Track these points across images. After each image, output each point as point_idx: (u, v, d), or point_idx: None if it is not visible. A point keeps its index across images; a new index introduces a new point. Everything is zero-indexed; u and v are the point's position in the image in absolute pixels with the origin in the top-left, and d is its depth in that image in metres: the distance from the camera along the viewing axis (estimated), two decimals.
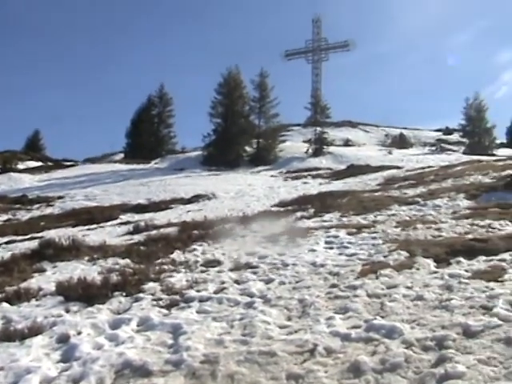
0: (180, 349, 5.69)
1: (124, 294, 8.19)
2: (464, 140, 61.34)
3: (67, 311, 7.54)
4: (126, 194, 30.05)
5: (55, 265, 11.44)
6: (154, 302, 7.68)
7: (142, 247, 12.44)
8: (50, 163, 54.46)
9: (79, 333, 6.46)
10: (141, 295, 8.05)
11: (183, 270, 9.76)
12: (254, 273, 9.04)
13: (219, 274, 9.18)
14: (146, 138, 57.80)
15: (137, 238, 14.81)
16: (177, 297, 7.86)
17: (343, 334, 5.73)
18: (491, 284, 6.97)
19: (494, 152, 54.67)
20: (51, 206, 28.92)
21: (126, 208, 25.12)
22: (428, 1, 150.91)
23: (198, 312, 7.09)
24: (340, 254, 9.93)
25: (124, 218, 22.21)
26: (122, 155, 59.17)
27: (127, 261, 10.87)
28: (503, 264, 7.99)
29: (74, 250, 12.44)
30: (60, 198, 31.28)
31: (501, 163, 26.45)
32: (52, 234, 17.50)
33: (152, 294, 8.09)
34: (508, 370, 4.54)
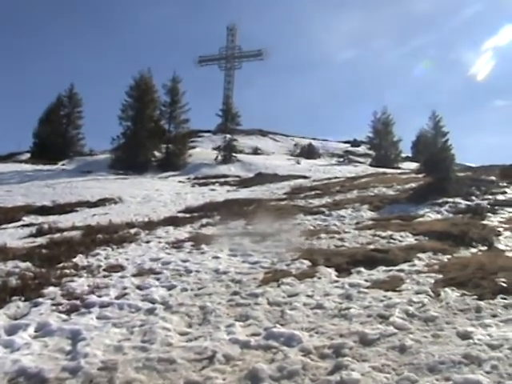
0: (78, 355, 5.59)
1: (23, 298, 7.96)
2: (371, 152, 62.69)
3: None
4: (30, 195, 29.12)
5: None
6: (54, 307, 7.50)
7: (44, 250, 12.11)
8: None
9: None
10: (40, 300, 7.84)
11: (85, 275, 9.59)
12: (157, 279, 8.99)
13: (122, 280, 9.07)
14: (54, 139, 56.19)
15: (40, 240, 14.41)
16: (77, 302, 7.72)
17: (243, 341, 5.77)
18: (389, 293, 7.19)
19: (400, 165, 56.12)
20: None
21: (30, 210, 24.36)
22: (342, 15, 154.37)
23: (98, 318, 6.98)
24: (243, 262, 10.00)
25: (27, 219, 21.54)
26: (28, 155, 57.43)
27: (28, 264, 10.54)
28: (401, 274, 8.24)
29: None
30: None
31: (405, 176, 27.24)
32: None
33: (52, 299, 7.90)
34: (400, 376, 4.70)
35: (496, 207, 15.20)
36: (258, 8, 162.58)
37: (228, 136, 53.15)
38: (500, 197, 16.85)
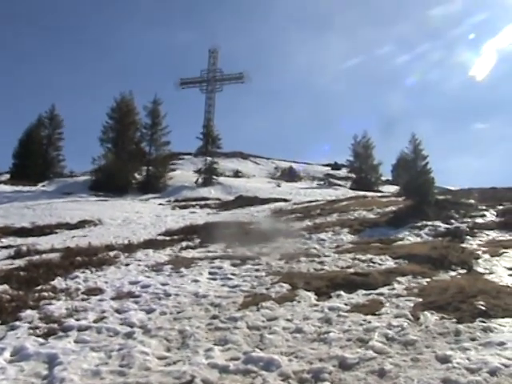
0: (54, 380, 5.52)
1: None
2: (351, 175, 63.05)
3: None
4: (9, 217, 28.88)
5: None
6: (31, 331, 7.41)
7: (22, 273, 11.96)
8: None
9: None
10: (17, 323, 7.74)
11: (63, 298, 9.50)
12: (136, 302, 8.92)
13: (100, 303, 8.99)
14: (34, 160, 55.80)
15: (18, 262, 14.25)
16: (55, 325, 7.64)
17: (221, 365, 5.73)
18: (369, 317, 7.19)
19: (380, 188, 56.45)
20: None
21: (8, 231, 24.15)
22: (324, 38, 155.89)
23: (76, 342, 6.90)
24: (223, 285, 9.97)
25: (6, 241, 21.36)
26: (8, 176, 56.96)
27: (5, 287, 10.41)
28: (381, 298, 8.25)
29: None
30: None
31: (385, 199, 27.36)
32: None
33: (29, 322, 7.81)
34: None
35: (475, 230, 15.32)
36: (241, 31, 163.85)
37: (209, 159, 53.17)
38: (479, 220, 16.99)
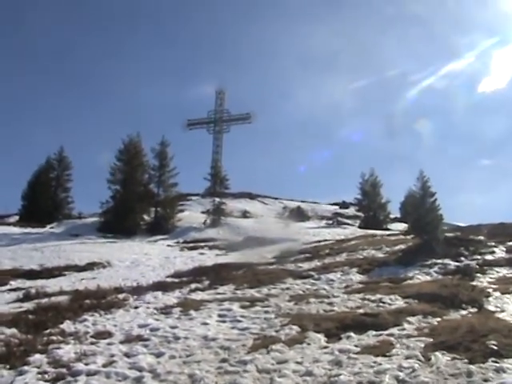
0: None
1: (8, 366, 7.83)
2: (360, 214, 62.89)
3: None
4: (18, 259, 28.89)
5: None
6: (39, 376, 7.39)
7: (30, 316, 11.94)
8: None
9: None
10: (26, 368, 7.71)
11: (72, 342, 9.46)
12: (145, 346, 8.88)
13: (109, 347, 8.95)
14: (43, 202, 55.99)
15: (26, 305, 14.27)
16: (64, 370, 7.60)
17: None
18: (379, 359, 7.12)
19: (389, 226, 56.29)
20: None
21: (17, 273, 24.18)
22: (329, 78, 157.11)
23: None
24: (232, 328, 9.92)
25: (14, 284, 21.41)
26: (16, 218, 57.13)
27: (14, 330, 10.39)
28: (391, 339, 8.18)
29: None
30: None
31: (393, 238, 27.29)
32: None
33: (38, 367, 7.78)
34: None
35: (485, 267, 15.26)
36: (247, 72, 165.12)
37: (217, 199, 53.26)
38: (489, 257, 16.92)
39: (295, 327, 9.40)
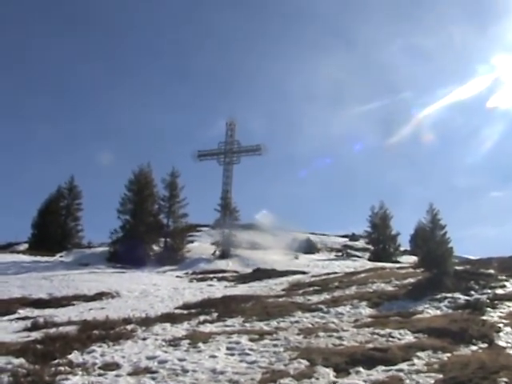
0: None
1: None
2: (369, 247, 62.75)
3: None
4: (27, 287, 28.91)
5: None
6: None
7: (38, 346, 11.95)
8: None
9: None
10: None
11: (80, 373, 9.45)
12: (153, 378, 8.86)
13: (117, 379, 8.95)
14: (53, 230, 56.26)
15: (34, 335, 14.28)
16: None
17: None
18: None
19: (398, 259, 56.13)
20: None
21: (25, 302, 24.19)
22: (339, 111, 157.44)
23: None
24: (241, 361, 9.87)
25: (23, 312, 21.44)
26: (26, 246, 57.35)
27: (22, 360, 10.39)
28: (401, 374, 8.14)
29: None
30: None
31: (403, 271, 27.17)
32: None
33: None
34: None
35: (495, 302, 15.15)
36: (257, 104, 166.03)
37: (226, 231, 53.24)
38: (499, 291, 16.81)
39: (304, 361, 9.35)
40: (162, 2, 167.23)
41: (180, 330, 14.31)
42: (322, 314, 15.54)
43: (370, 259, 53.94)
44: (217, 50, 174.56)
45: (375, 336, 11.57)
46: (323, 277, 29.88)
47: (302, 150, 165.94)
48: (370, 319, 14.25)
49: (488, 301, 15.37)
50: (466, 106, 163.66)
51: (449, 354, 9.42)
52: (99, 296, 26.38)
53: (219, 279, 34.65)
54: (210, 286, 31.19)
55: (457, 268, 20.46)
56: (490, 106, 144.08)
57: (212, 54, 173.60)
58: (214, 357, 10.39)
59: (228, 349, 11.13)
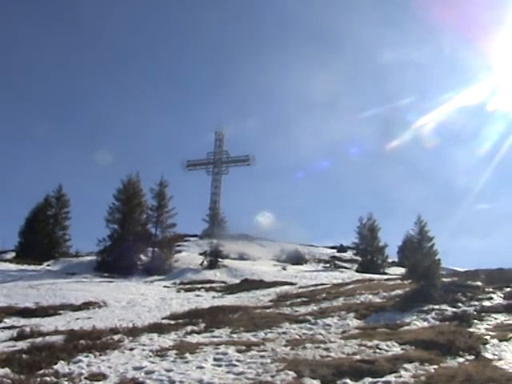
0: None
1: None
2: (357, 258, 62.91)
3: None
4: (13, 296, 28.73)
5: None
6: None
7: (24, 355, 11.89)
8: None
9: None
10: None
11: (66, 383, 9.38)
12: None
13: None
14: (40, 239, 55.92)
15: (20, 344, 14.21)
16: None
17: None
18: None
19: (386, 270, 56.30)
20: None
21: (12, 311, 24.05)
22: (328, 121, 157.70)
23: None
24: (228, 372, 9.86)
25: (9, 322, 21.31)
26: (13, 254, 57.03)
27: (7, 370, 10.33)
28: None
29: None
30: None
31: (391, 283, 27.24)
32: None
33: None
34: None
35: (482, 314, 15.22)
36: (246, 114, 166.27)
37: (214, 241, 53.22)
38: (486, 303, 16.89)
39: (291, 373, 9.34)
40: (153, 6, 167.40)
41: (167, 340, 14.27)
42: (309, 326, 15.55)
43: (357, 270, 54.02)
44: (208, 58, 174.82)
45: (362, 348, 11.57)
46: (311, 288, 29.89)
47: (290, 158, 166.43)
48: (357, 331, 14.27)
49: (475, 313, 15.44)
50: (465, 111, 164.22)
51: (436, 366, 9.43)
52: (86, 305, 26.28)
53: (207, 289, 34.59)
54: (198, 296, 31.14)
55: (444, 280, 20.53)
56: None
57: (203, 62, 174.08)
58: (201, 368, 10.36)
59: (215, 360, 11.11)
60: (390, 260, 63.67)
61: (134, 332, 15.77)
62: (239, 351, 11.83)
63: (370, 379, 8.66)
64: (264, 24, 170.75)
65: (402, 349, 11.24)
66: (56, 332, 16.56)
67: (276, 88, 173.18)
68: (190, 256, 55.53)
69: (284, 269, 50.58)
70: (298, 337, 13.83)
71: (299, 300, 22.86)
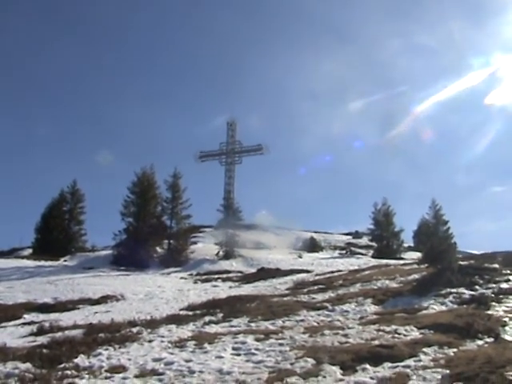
0: None
1: None
2: (373, 244, 62.72)
3: None
4: (32, 292, 28.92)
5: None
6: None
7: (45, 350, 11.93)
8: None
9: None
10: None
11: (87, 376, 9.45)
12: (160, 380, 8.85)
13: (124, 381, 8.94)
14: (56, 235, 56.28)
15: (40, 339, 14.29)
16: None
17: None
18: None
19: (402, 255, 56.14)
20: None
21: (31, 307, 24.20)
22: (339, 110, 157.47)
23: None
24: (247, 361, 9.85)
25: (28, 317, 21.46)
26: (30, 251, 57.36)
27: (28, 365, 10.40)
28: (407, 370, 8.12)
29: None
30: None
31: (407, 267, 27.15)
32: None
33: None
34: None
35: (501, 296, 15.09)
36: (258, 103, 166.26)
37: (229, 231, 53.22)
38: (504, 285, 16.74)
39: (310, 360, 9.33)
40: (161, 2, 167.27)
41: (186, 331, 14.29)
42: (327, 313, 15.53)
43: (373, 256, 53.95)
44: (216, 50, 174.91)
45: (381, 333, 11.55)
46: (327, 275, 29.88)
47: (302, 148, 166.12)
48: (375, 316, 14.23)
49: (493, 295, 15.31)
50: (464, 100, 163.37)
51: (455, 350, 9.39)
52: (104, 299, 26.40)
53: (223, 280, 34.65)
54: (215, 286, 31.19)
55: (461, 263, 20.43)
56: (487, 103, 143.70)
57: (212, 54, 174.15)
58: (220, 357, 10.37)
59: (234, 349, 11.12)
60: (405, 245, 63.50)
61: (152, 324, 15.81)
62: (258, 340, 11.83)
63: (390, 364, 8.63)
64: (272, 16, 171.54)
65: (421, 333, 11.19)
66: (75, 326, 16.65)
67: (284, 78, 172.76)
68: (205, 247, 55.63)
69: (300, 257, 50.57)
70: (316, 324, 13.82)
71: (316, 287, 22.84)
